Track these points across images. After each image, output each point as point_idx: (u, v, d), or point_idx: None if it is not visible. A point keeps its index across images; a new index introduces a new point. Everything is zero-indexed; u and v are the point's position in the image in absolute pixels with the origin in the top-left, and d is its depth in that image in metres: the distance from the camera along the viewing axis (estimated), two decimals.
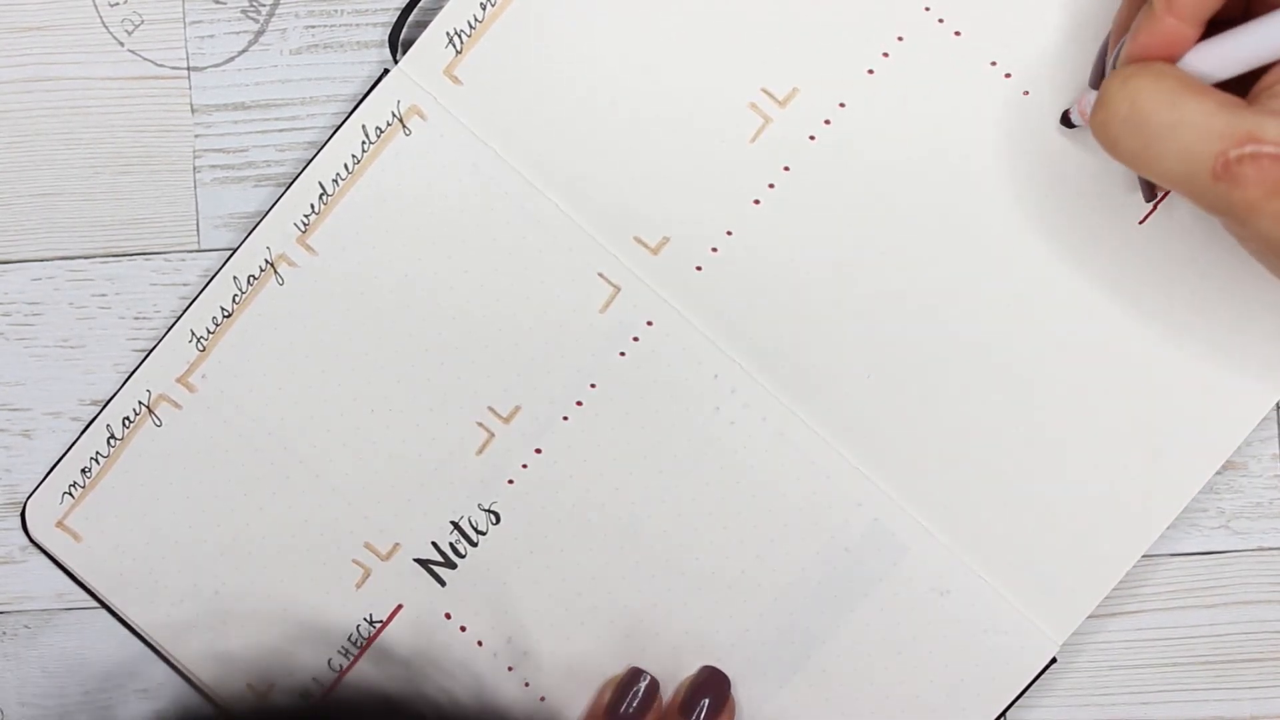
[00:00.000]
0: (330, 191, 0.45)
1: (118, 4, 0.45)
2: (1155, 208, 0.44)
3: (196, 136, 0.46)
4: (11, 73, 0.46)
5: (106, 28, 0.45)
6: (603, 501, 0.45)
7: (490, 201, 0.45)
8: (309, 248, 0.45)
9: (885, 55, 0.45)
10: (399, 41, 0.45)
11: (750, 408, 0.45)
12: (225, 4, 0.45)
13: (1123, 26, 0.40)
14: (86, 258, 0.46)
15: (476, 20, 0.45)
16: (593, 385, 0.45)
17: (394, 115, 0.45)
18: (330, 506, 0.45)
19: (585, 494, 0.45)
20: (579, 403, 0.45)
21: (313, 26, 0.46)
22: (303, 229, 0.45)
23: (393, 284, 0.45)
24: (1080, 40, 0.44)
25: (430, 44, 0.45)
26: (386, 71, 0.45)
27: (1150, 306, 0.44)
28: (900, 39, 0.45)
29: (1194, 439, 0.45)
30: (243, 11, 0.45)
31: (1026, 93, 0.44)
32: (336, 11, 0.46)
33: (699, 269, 0.45)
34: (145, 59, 0.46)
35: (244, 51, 0.46)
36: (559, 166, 0.45)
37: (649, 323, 0.45)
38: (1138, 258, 0.44)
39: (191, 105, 0.46)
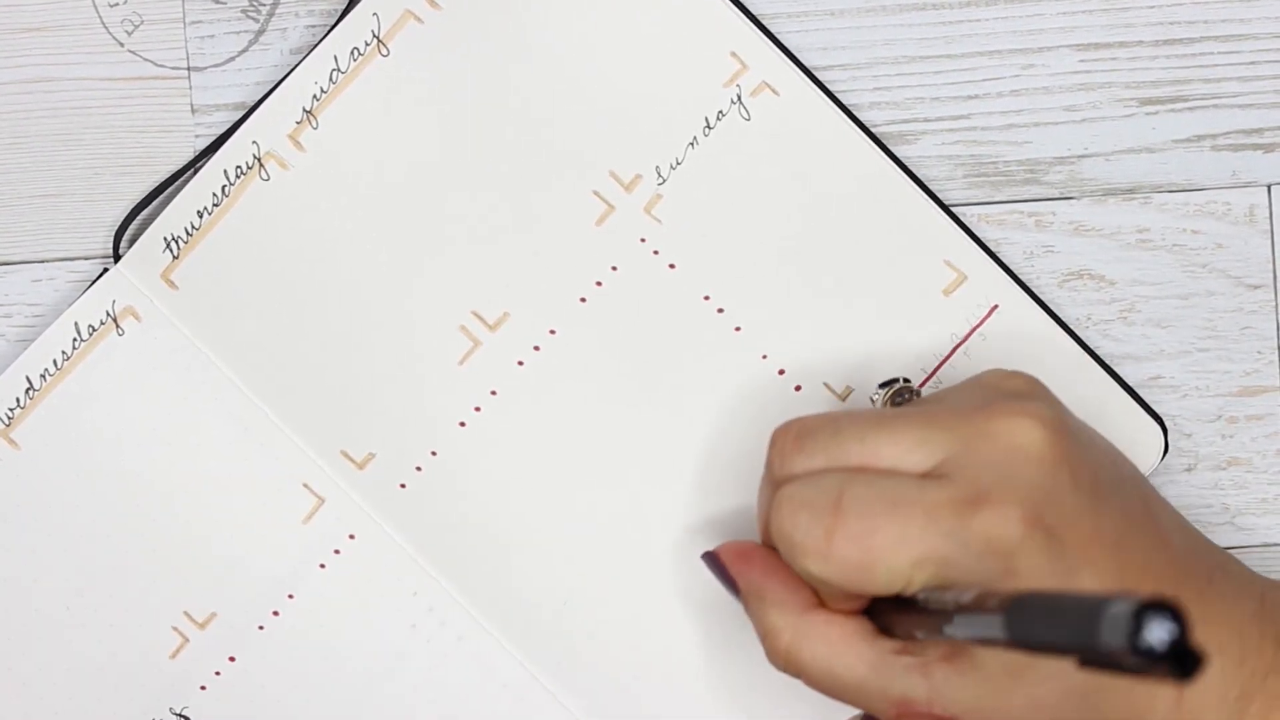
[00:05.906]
0: (37, 386, 0.45)
1: (117, 4, 0.45)
2: None
3: (197, 137, 0.46)
4: (11, 74, 0.46)
5: (106, 28, 0.45)
6: (296, 715, 0.45)
7: (200, 406, 0.45)
8: (11, 441, 0.45)
9: (599, 284, 0.45)
10: (123, 237, 0.46)
11: (446, 626, 0.45)
12: (225, 4, 0.45)
13: None
14: (87, 259, 0.46)
15: (194, 228, 0.45)
16: (291, 596, 0.45)
17: (108, 314, 0.45)
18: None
19: (278, 705, 0.45)
20: (276, 613, 0.45)
21: (313, 26, 0.46)
22: (6, 423, 0.45)
23: (94, 482, 0.45)
24: (793, 281, 0.45)
25: (148, 247, 0.45)
26: (105, 270, 0.45)
27: None
28: (614, 268, 0.45)
29: None
30: (243, 11, 0.45)
31: (738, 329, 0.45)
32: (336, 11, 0.45)
33: (403, 486, 0.45)
34: (145, 59, 0.45)
35: (244, 51, 0.45)
36: (269, 376, 0.45)
37: (351, 536, 0.45)
38: None
39: (192, 105, 0.46)
